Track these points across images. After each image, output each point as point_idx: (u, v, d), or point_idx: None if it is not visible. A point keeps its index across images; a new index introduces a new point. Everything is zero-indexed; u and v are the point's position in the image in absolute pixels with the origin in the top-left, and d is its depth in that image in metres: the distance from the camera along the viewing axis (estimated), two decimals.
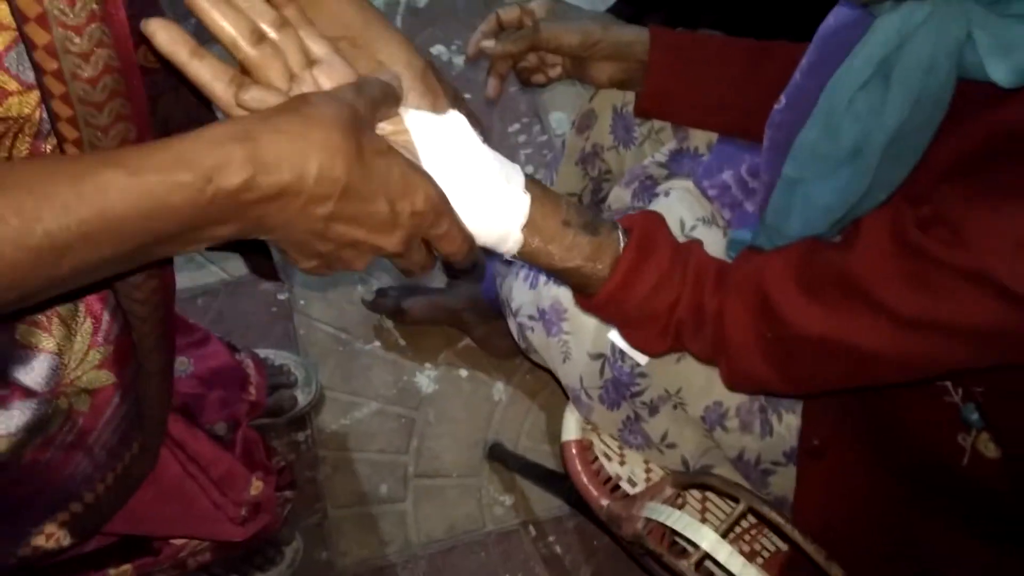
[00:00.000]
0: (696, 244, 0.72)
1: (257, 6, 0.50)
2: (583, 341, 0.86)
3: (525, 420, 1.44)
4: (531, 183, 0.63)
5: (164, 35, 0.46)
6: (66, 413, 0.63)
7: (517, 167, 0.62)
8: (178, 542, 1.06)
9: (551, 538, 1.37)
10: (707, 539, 0.60)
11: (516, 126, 1.70)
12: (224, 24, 0.48)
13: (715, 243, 0.85)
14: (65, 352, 0.59)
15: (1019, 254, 0.51)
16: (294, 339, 1.47)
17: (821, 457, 0.78)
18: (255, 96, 0.48)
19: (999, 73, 0.51)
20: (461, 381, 1.46)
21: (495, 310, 1.34)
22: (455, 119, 0.59)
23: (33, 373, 0.57)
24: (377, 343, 1.48)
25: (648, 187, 0.94)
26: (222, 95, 0.48)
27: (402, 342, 1.48)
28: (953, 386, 0.68)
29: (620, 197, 0.97)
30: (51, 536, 0.69)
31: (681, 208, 0.87)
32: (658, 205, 0.90)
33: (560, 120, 1.70)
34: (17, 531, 0.67)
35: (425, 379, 1.46)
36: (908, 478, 0.77)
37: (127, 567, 1.03)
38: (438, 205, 0.53)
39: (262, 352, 1.36)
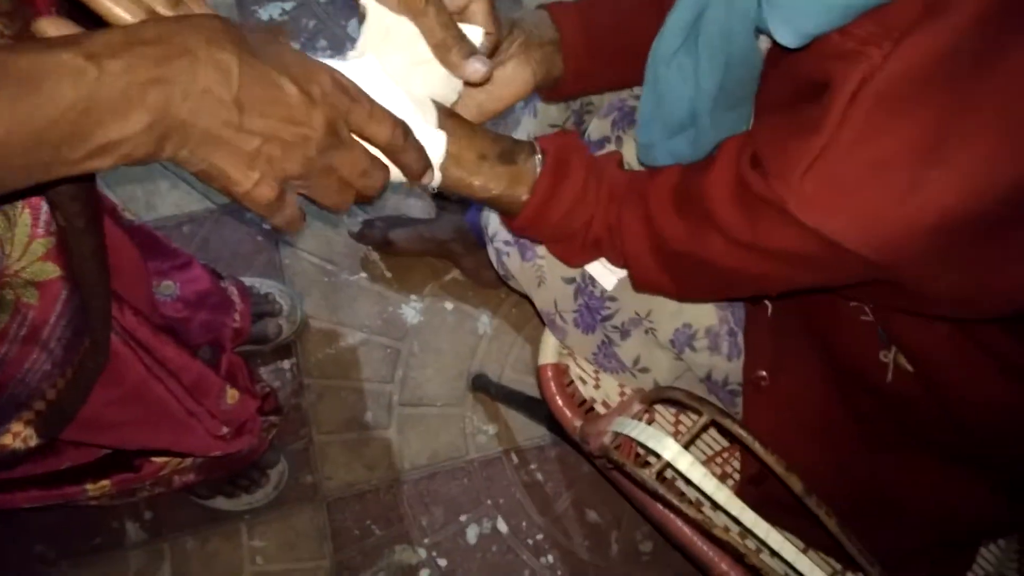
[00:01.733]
0: (611, 160, 0.73)
1: None
2: (556, 265, 0.86)
3: (509, 353, 1.46)
4: (446, 118, 0.64)
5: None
6: (13, 305, 0.64)
7: (430, 103, 0.63)
8: (159, 460, 1.08)
9: (533, 466, 1.39)
10: (669, 449, 0.61)
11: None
12: (119, 11, 0.48)
13: None
14: (6, 241, 0.60)
15: (802, 186, 0.54)
16: (279, 269, 1.48)
17: (762, 387, 0.80)
18: None
19: (783, 37, 0.54)
20: (446, 313, 1.47)
21: (481, 240, 1.35)
22: (363, 64, 0.59)
23: None
24: (363, 274, 1.48)
25: (627, 115, 0.93)
26: None
27: (388, 274, 1.49)
28: (868, 306, 0.71)
29: (599, 128, 0.96)
30: (17, 435, 0.70)
31: None
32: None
33: None
34: None
35: (411, 311, 1.47)
36: (846, 403, 0.79)
37: (106, 483, 1.05)
38: (348, 84, 0.53)
39: (247, 280, 1.37)
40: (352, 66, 0.58)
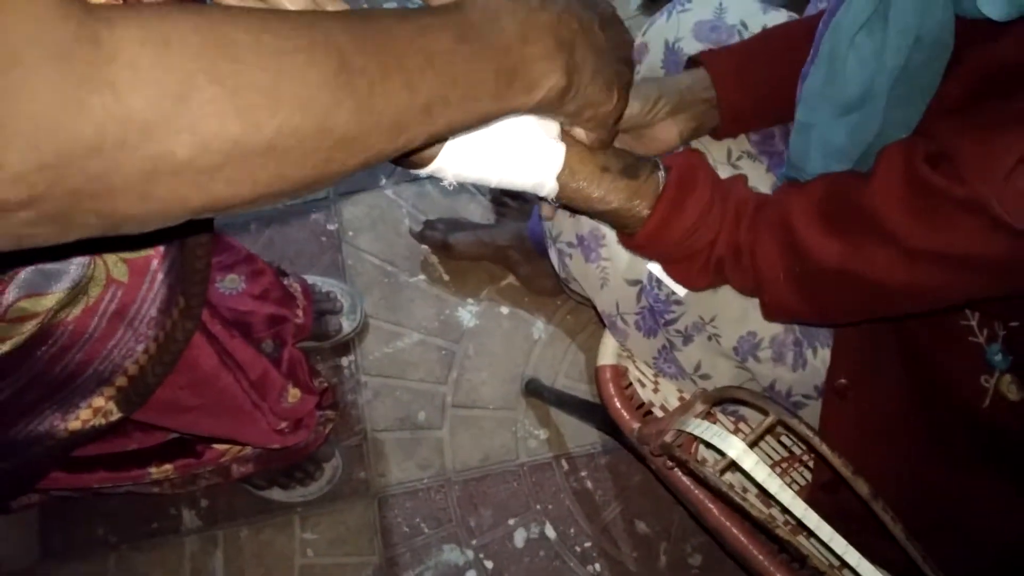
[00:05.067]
0: (739, 179, 0.72)
1: None
2: (620, 267, 0.87)
3: (563, 359, 1.46)
4: (567, 132, 0.64)
5: None
6: (104, 280, 0.66)
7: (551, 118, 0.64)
8: (220, 447, 1.11)
9: (583, 473, 1.39)
10: (734, 447, 0.61)
11: None
12: None
13: (759, 176, 0.86)
14: None
15: (1008, 184, 0.51)
16: (342, 269, 1.51)
17: (846, 396, 0.79)
18: None
19: (991, 7, 0.52)
20: (502, 318, 1.49)
21: (540, 248, 1.36)
22: None
23: None
24: (422, 276, 1.51)
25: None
26: None
27: (446, 277, 1.51)
28: (978, 327, 0.69)
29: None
30: (99, 410, 0.73)
31: (728, 139, 0.87)
32: (704, 138, 0.90)
33: None
34: (68, 402, 0.72)
35: (467, 314, 1.49)
36: (930, 421, 0.77)
37: (168, 467, 1.08)
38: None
39: (310, 279, 1.41)
40: None
